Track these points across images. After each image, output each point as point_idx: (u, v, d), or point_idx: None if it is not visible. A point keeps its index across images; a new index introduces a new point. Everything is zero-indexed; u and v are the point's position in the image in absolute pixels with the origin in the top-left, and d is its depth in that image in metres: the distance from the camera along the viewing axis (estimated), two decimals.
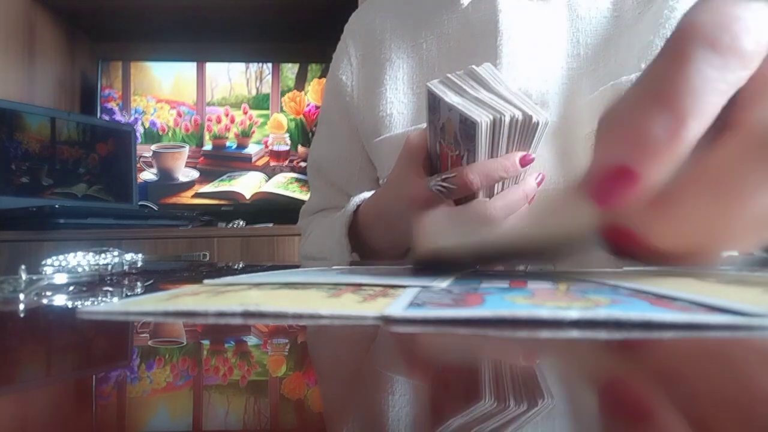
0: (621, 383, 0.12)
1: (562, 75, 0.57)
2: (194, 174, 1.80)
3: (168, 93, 1.81)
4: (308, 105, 1.84)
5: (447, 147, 0.47)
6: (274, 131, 1.83)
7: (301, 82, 1.84)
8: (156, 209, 1.72)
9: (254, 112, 1.83)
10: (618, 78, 0.53)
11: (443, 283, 0.23)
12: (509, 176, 0.45)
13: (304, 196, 1.77)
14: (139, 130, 1.79)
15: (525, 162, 0.45)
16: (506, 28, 0.57)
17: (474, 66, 0.45)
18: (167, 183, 1.79)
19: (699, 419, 0.09)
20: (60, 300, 0.24)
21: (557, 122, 0.55)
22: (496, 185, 0.46)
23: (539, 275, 0.23)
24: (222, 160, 1.81)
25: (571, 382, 0.12)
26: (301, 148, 1.83)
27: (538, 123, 0.43)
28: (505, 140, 0.44)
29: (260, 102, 1.84)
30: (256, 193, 1.81)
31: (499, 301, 0.18)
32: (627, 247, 0.23)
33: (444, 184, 0.46)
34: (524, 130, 0.44)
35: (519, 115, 0.43)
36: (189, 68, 1.82)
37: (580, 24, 0.57)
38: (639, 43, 0.54)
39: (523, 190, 0.46)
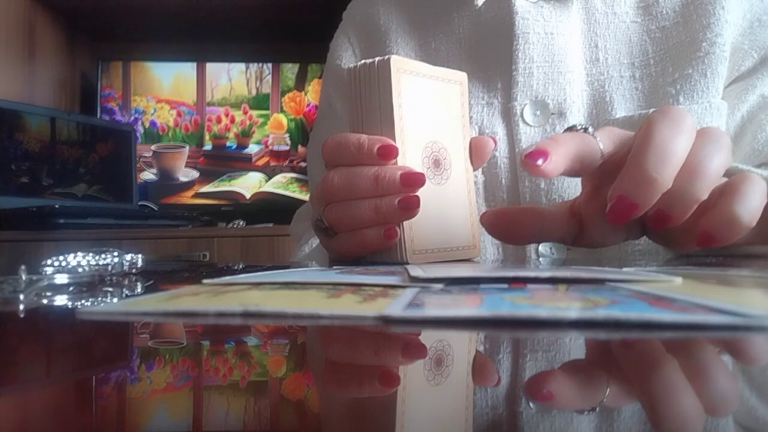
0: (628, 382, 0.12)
1: (582, 81, 0.54)
2: (194, 174, 1.80)
3: (168, 93, 1.81)
4: (308, 105, 1.84)
5: None
6: (274, 131, 1.83)
7: (301, 82, 1.84)
8: (156, 209, 1.72)
9: (254, 112, 1.83)
10: (647, 87, 0.53)
11: (442, 284, 0.23)
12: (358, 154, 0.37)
13: (304, 196, 1.77)
14: (139, 130, 1.79)
15: (383, 151, 0.36)
16: (522, 32, 0.54)
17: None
18: (167, 183, 1.79)
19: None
20: (60, 300, 0.24)
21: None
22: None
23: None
24: (222, 160, 1.81)
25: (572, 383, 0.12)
26: (301, 148, 1.83)
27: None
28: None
29: (260, 102, 1.84)
30: (256, 193, 1.80)
31: (498, 302, 0.18)
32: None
33: None
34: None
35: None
36: (189, 68, 1.82)
37: (598, 29, 0.55)
38: (672, 65, 0.53)
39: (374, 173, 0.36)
